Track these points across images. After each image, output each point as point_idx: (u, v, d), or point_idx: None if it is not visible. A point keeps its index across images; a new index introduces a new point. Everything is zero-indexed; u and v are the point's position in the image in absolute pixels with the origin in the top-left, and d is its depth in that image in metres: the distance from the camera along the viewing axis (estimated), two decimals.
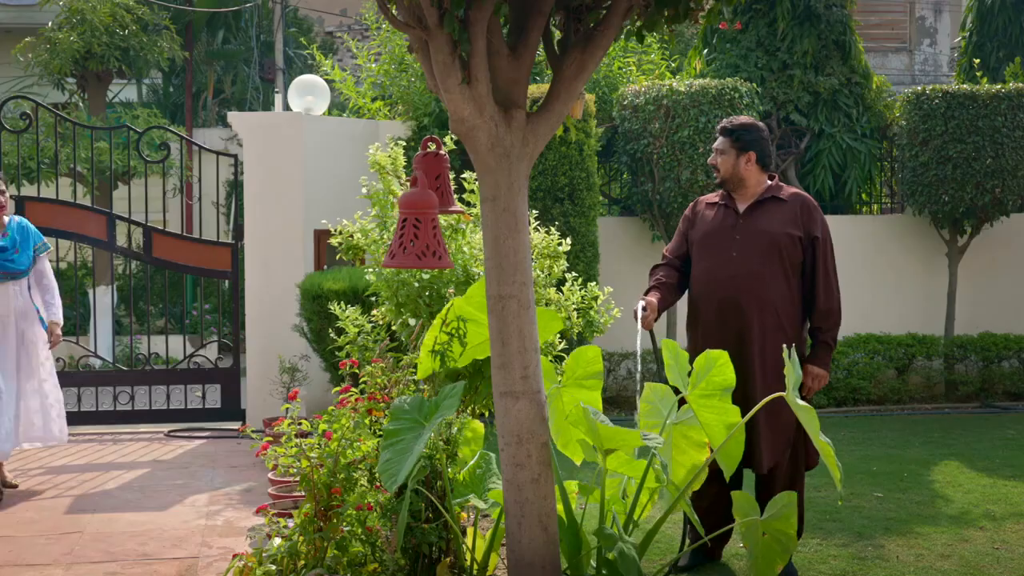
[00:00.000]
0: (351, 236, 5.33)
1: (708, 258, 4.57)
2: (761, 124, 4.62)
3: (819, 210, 4.58)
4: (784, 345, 4.03)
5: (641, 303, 4.49)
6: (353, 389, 4.27)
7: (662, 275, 4.68)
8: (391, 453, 3.71)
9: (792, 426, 4.39)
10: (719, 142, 4.60)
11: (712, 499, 4.50)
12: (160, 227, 8.61)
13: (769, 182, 4.60)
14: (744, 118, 4.62)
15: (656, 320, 4.52)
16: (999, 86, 9.03)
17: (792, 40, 9.56)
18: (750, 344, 4.41)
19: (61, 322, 6.38)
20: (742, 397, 4.17)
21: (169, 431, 7.89)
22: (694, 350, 4.43)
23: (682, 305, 4.95)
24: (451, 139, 5.03)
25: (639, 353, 4.56)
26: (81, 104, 12.54)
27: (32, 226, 6.29)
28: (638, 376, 4.24)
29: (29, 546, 5.11)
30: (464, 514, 4.50)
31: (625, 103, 8.92)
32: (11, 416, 6.09)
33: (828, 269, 4.52)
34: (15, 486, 6.16)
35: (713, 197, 4.74)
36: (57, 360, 8.06)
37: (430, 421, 3.80)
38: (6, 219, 6.20)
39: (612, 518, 3.99)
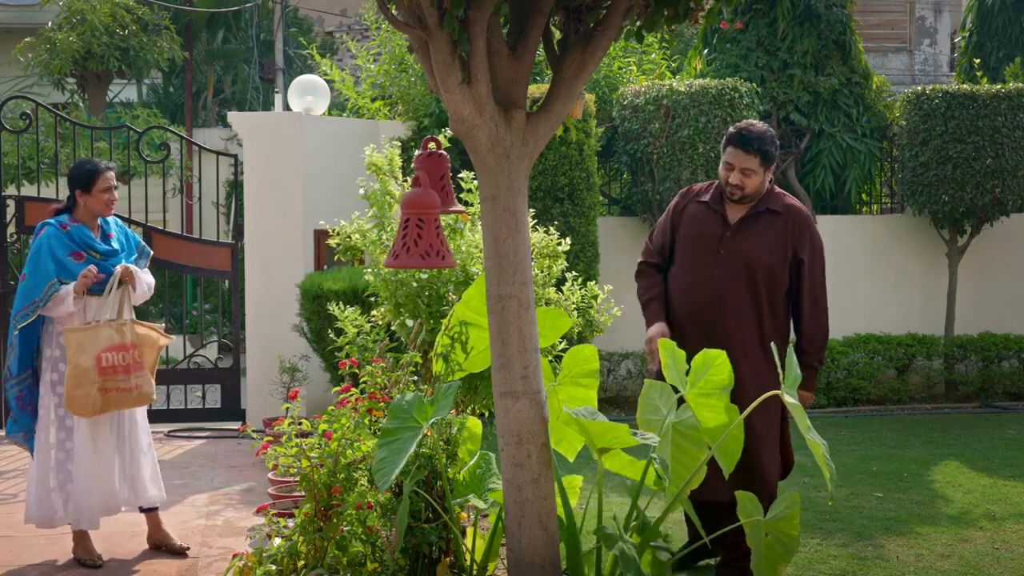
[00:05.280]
0: (349, 237, 5.33)
1: (690, 272, 4.41)
2: (770, 128, 4.40)
3: (811, 227, 4.37)
4: (776, 345, 4.01)
5: (656, 332, 4.32)
6: (353, 389, 4.27)
7: (657, 290, 4.51)
8: (387, 452, 3.71)
9: (778, 433, 4.40)
10: (743, 159, 4.28)
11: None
12: (160, 227, 8.60)
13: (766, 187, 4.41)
14: (760, 127, 4.34)
15: None
16: (999, 86, 9.03)
17: (792, 40, 9.56)
18: (735, 364, 4.25)
19: (142, 279, 4.97)
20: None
21: (169, 431, 7.89)
22: None
23: None
24: (444, 137, 5.03)
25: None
26: (81, 104, 12.55)
27: (127, 228, 5.18)
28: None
29: (29, 546, 5.10)
30: (464, 514, 4.50)
31: (625, 103, 8.92)
32: (111, 477, 4.89)
33: (815, 292, 4.33)
34: (186, 550, 4.97)
35: (705, 193, 4.52)
36: None
37: (426, 420, 3.81)
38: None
39: (612, 518, 3.99)
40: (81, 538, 4.88)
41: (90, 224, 4.93)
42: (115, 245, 4.96)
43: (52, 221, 4.89)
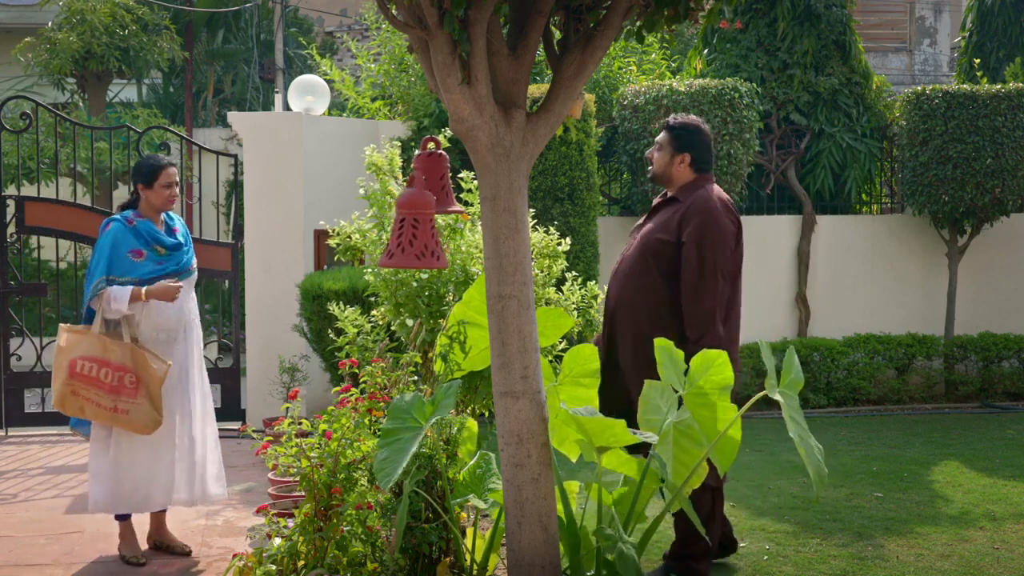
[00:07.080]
0: (349, 237, 5.33)
1: (619, 262, 4.63)
2: (706, 128, 4.53)
3: (705, 216, 4.32)
4: (767, 343, 4.01)
5: None
6: (353, 389, 4.27)
7: None
8: (388, 452, 3.71)
9: None
10: (660, 136, 4.55)
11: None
12: None
13: (687, 180, 4.47)
14: (691, 118, 4.55)
15: None
16: (999, 86, 9.03)
17: (792, 40, 9.55)
18: (619, 346, 4.45)
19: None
20: (624, 400, 4.26)
21: None
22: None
23: None
24: (445, 137, 5.03)
25: None
26: (81, 104, 12.54)
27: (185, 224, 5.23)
28: None
29: (29, 546, 5.11)
30: (464, 514, 4.50)
31: (625, 103, 8.92)
32: (187, 465, 4.94)
33: (699, 276, 4.26)
34: (187, 553, 4.98)
35: None
36: None
37: (427, 420, 3.81)
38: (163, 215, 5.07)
39: (612, 518, 3.99)
40: (125, 533, 4.92)
41: (153, 219, 4.99)
42: (179, 239, 5.02)
43: (118, 217, 4.94)
